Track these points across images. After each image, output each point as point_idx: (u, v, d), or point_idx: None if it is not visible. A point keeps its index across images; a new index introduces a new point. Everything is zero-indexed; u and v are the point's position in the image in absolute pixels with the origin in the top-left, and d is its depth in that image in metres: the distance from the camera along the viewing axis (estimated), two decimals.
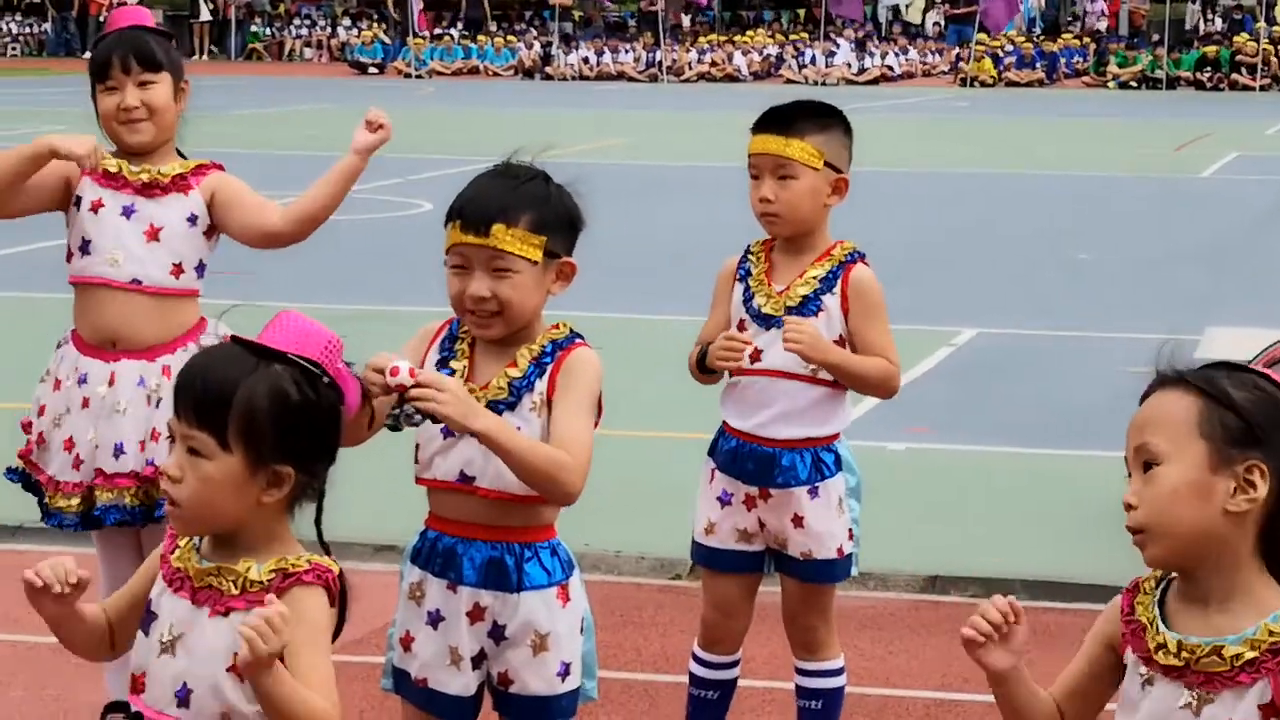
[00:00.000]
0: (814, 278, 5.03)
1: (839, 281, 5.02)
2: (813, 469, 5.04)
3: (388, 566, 6.36)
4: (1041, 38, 48.03)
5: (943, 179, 22.84)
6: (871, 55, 47.09)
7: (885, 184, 20.51)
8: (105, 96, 5.31)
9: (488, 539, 4.03)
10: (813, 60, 46.60)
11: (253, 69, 48.83)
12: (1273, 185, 21.82)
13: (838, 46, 47.20)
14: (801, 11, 52.29)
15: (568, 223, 4.08)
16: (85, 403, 5.21)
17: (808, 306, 5.01)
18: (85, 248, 5.25)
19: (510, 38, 49.14)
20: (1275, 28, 45.45)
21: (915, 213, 19.33)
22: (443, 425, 3.90)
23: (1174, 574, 3.16)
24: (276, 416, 3.22)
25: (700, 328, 5.17)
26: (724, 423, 5.14)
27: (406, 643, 4.12)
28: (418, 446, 4.09)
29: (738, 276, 5.12)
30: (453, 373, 4.04)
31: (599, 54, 47.46)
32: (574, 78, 46.55)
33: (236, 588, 3.23)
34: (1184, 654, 3.07)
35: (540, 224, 4.00)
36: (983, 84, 45.11)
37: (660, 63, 46.75)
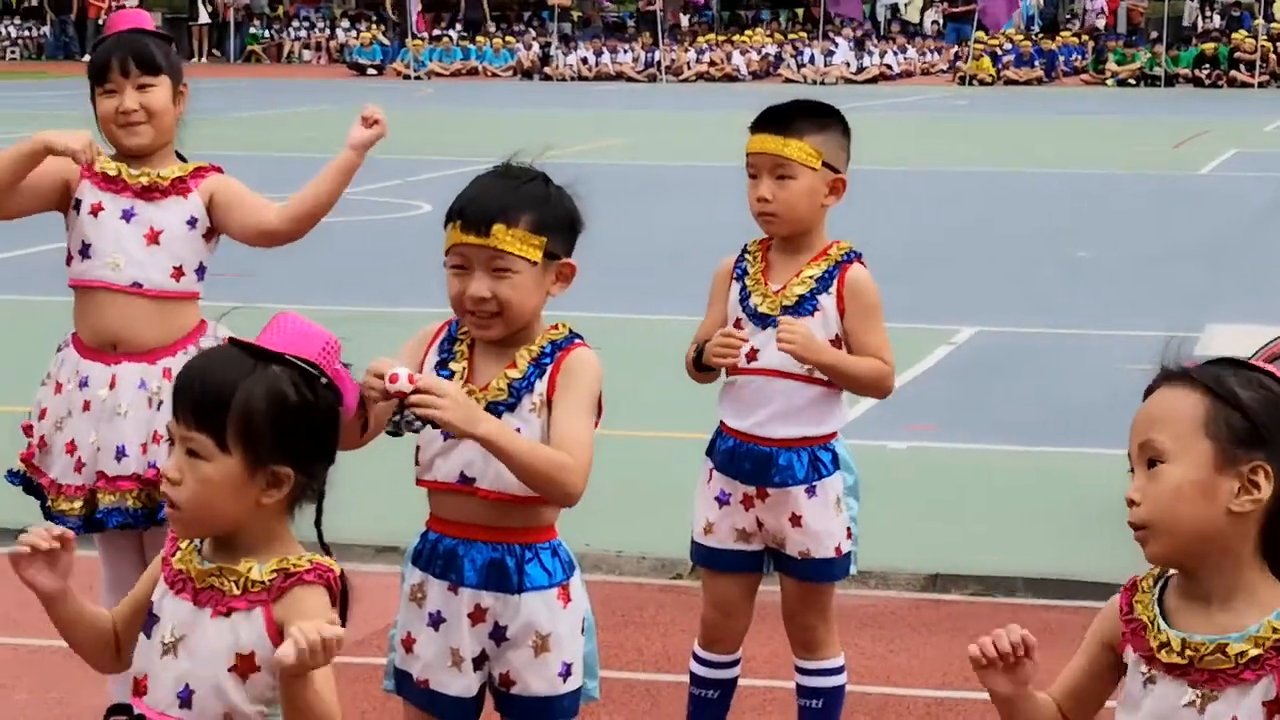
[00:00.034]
0: (810, 277, 5.04)
1: (835, 281, 5.03)
2: (810, 468, 5.04)
3: (389, 568, 6.37)
4: (1040, 36, 48.02)
5: (941, 177, 22.85)
6: (870, 54, 47.08)
7: (884, 182, 20.52)
8: (104, 99, 5.31)
9: (488, 540, 4.03)
10: (811, 59, 46.59)
11: (251, 71, 48.82)
12: (1271, 182, 21.83)
13: (836, 46, 47.19)
14: (800, 11, 52.26)
15: (568, 224, 4.09)
16: (86, 406, 5.21)
17: (804, 306, 5.01)
18: (85, 251, 5.26)
19: (509, 38, 49.13)
20: (1274, 24, 45.45)
21: (914, 211, 19.33)
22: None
23: (1171, 571, 3.16)
24: (275, 417, 3.23)
25: (698, 327, 5.18)
26: (721, 422, 5.14)
27: (408, 644, 4.12)
28: (418, 448, 4.09)
29: (734, 275, 5.13)
30: (452, 374, 4.05)
31: (598, 54, 47.46)
32: (573, 78, 46.54)
33: (238, 588, 3.24)
34: (1188, 652, 3.07)
35: (540, 225, 4.01)
36: (981, 82, 45.11)
37: (659, 63, 46.75)
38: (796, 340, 4.90)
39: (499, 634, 4.05)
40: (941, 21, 50.56)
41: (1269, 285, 14.17)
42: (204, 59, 50.95)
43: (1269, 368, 3.13)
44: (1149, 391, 3.14)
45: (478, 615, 4.04)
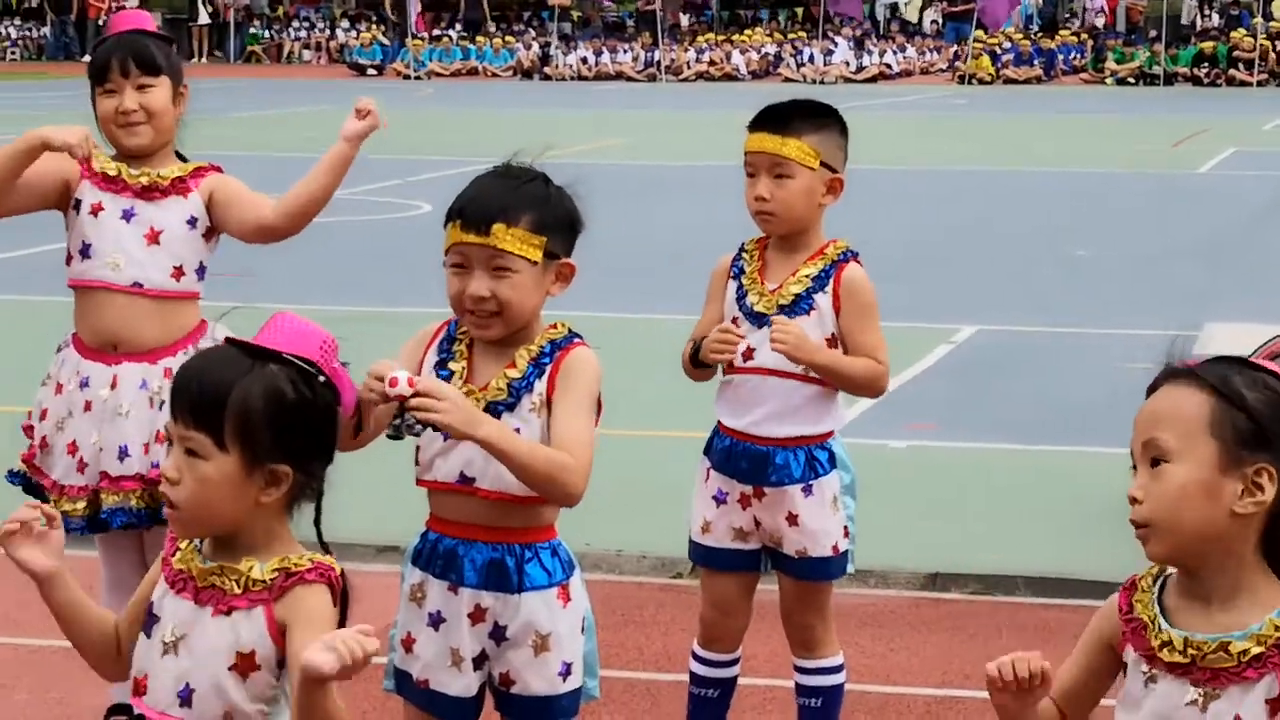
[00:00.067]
0: (806, 276, 5.04)
1: (831, 280, 5.03)
2: (806, 467, 5.05)
3: (390, 567, 6.37)
4: (1039, 35, 48.02)
5: (941, 176, 22.85)
6: (870, 53, 47.08)
7: (884, 182, 20.52)
8: (104, 99, 5.31)
9: (488, 540, 4.04)
10: (811, 59, 46.59)
11: (251, 71, 48.81)
12: (1270, 181, 21.82)
13: (836, 45, 47.18)
14: (799, 10, 52.26)
15: (567, 224, 4.09)
16: (88, 406, 5.21)
17: (800, 305, 5.02)
18: (85, 251, 5.26)
19: (509, 38, 49.13)
20: (1272, 23, 45.45)
21: (914, 210, 19.33)
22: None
23: (1170, 570, 3.16)
24: (272, 415, 3.23)
25: (695, 326, 5.18)
26: (718, 421, 5.15)
27: (408, 644, 4.13)
28: (418, 448, 4.09)
29: (731, 274, 5.13)
30: (451, 374, 4.05)
31: (597, 54, 47.46)
32: (572, 78, 46.54)
33: (239, 586, 3.24)
34: (1190, 651, 3.07)
35: (540, 224, 4.01)
36: (981, 81, 45.10)
37: (659, 62, 46.75)
38: (789, 341, 4.90)
39: (499, 634, 4.06)
40: (941, 21, 50.55)
41: (1268, 284, 14.18)
42: (204, 59, 50.94)
43: (1272, 366, 3.12)
44: (1152, 389, 3.13)
45: (477, 615, 4.05)
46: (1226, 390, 3.06)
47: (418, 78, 46.29)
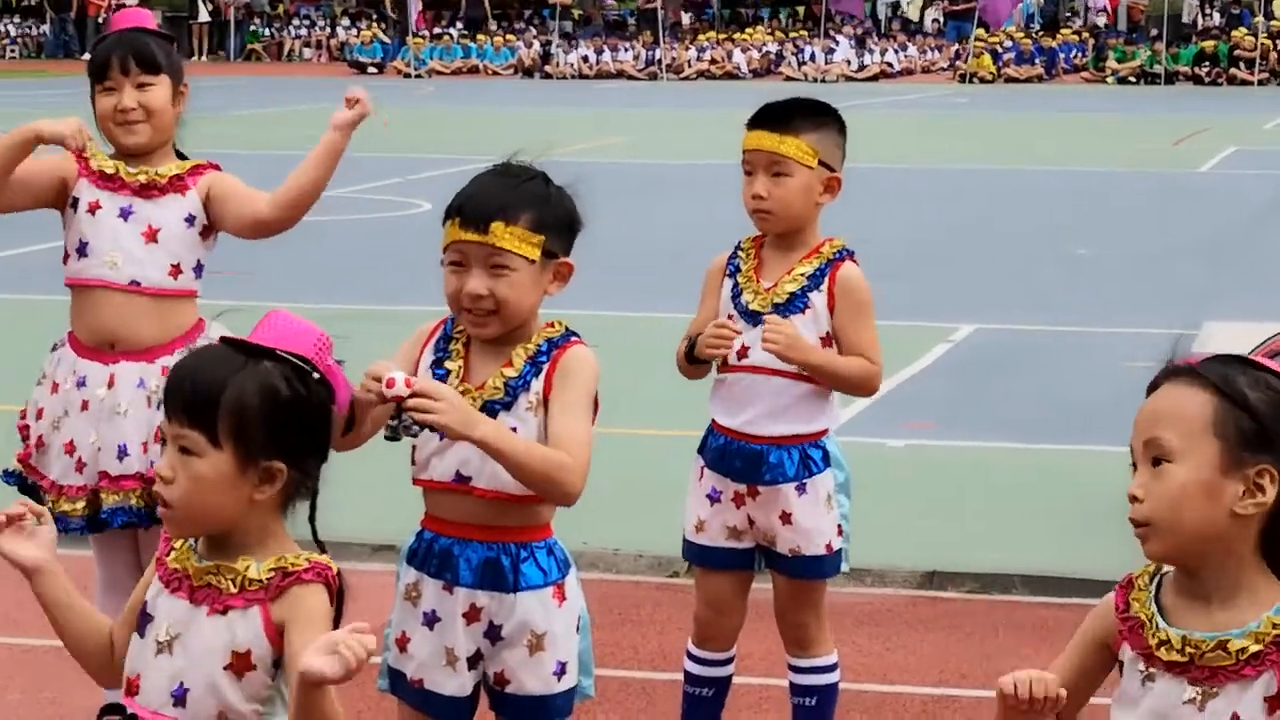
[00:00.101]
0: (802, 275, 5.04)
1: (826, 279, 5.02)
2: (800, 466, 5.04)
3: (386, 566, 6.36)
4: (1040, 33, 48.00)
5: (942, 175, 22.84)
6: (871, 52, 47.07)
7: (885, 180, 20.52)
8: (103, 97, 5.30)
9: (484, 540, 4.03)
10: (812, 57, 46.58)
11: (252, 69, 48.80)
12: (1271, 180, 21.82)
13: (837, 43, 47.17)
14: (801, 9, 52.24)
15: (566, 223, 4.08)
16: (85, 405, 5.20)
17: (795, 303, 5.01)
18: (83, 250, 5.25)
19: (510, 36, 49.11)
20: (1273, 22, 45.42)
21: (915, 209, 19.33)
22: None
23: (1166, 569, 3.15)
24: (267, 412, 3.23)
25: (690, 323, 5.17)
26: (712, 420, 5.14)
27: (402, 643, 4.12)
28: (414, 447, 4.09)
29: (727, 272, 5.13)
30: (448, 373, 4.05)
31: (598, 52, 47.44)
32: (573, 76, 46.52)
33: (235, 586, 3.23)
34: (1188, 649, 3.06)
35: (539, 223, 4.01)
36: (982, 80, 45.09)
37: (660, 61, 46.73)
38: (780, 341, 4.89)
39: (494, 633, 4.05)
40: (942, 19, 50.54)
41: (1268, 282, 14.17)
42: (204, 57, 50.93)
43: (1273, 366, 3.11)
44: (1153, 387, 3.12)
45: (473, 614, 4.04)
46: (1229, 390, 3.05)
47: (418, 76, 46.28)
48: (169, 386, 3.28)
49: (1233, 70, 44.01)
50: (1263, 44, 43.98)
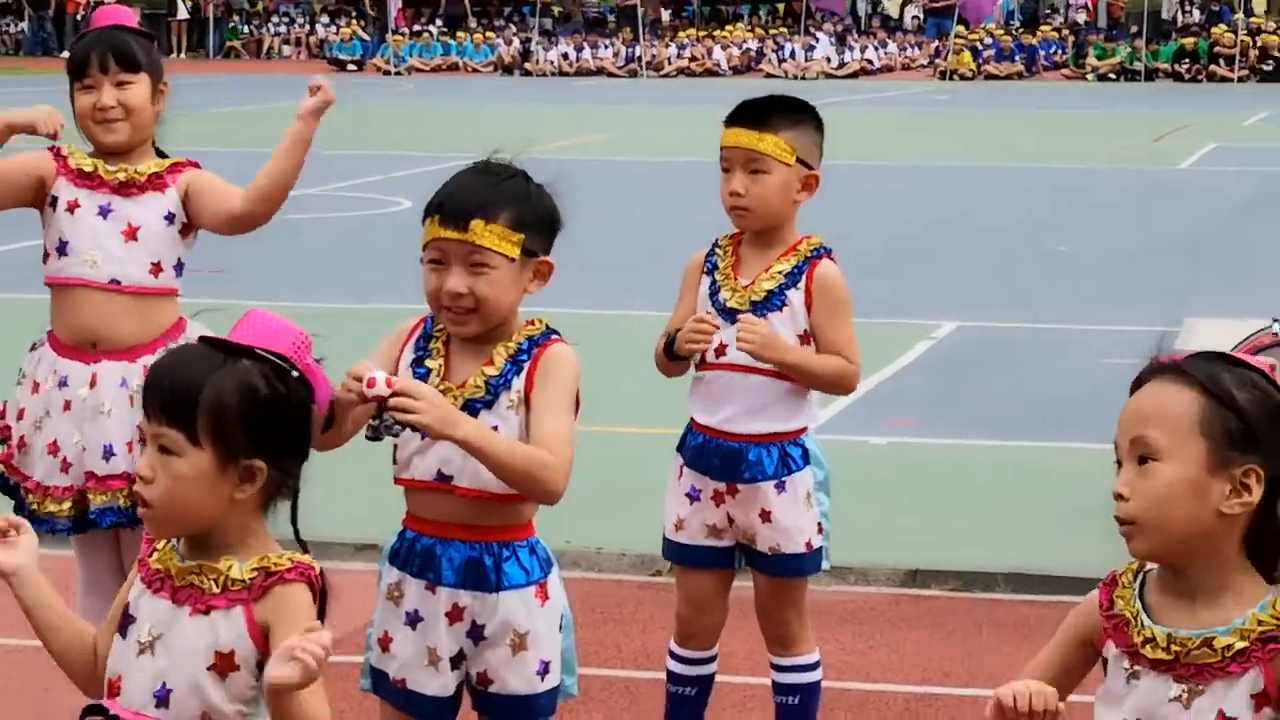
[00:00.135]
0: (779, 272, 5.03)
1: (804, 277, 5.02)
2: (779, 464, 5.03)
3: (368, 566, 6.34)
4: (1020, 30, 48.08)
5: (922, 172, 22.86)
6: (851, 49, 47.11)
7: (865, 177, 20.53)
8: (82, 95, 5.28)
9: (466, 539, 4.01)
10: (792, 54, 46.61)
11: (231, 67, 48.73)
12: (1250, 176, 21.87)
13: (817, 41, 47.20)
14: (781, 6, 52.28)
15: (546, 222, 4.08)
16: (67, 405, 5.17)
17: (772, 301, 5.00)
18: (62, 249, 5.22)
19: (489, 34, 49.10)
20: (1253, 19, 45.54)
21: (895, 206, 19.35)
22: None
23: (1150, 566, 3.15)
24: (246, 410, 3.22)
25: (669, 320, 5.16)
26: (691, 418, 5.13)
27: (385, 643, 4.11)
28: (396, 446, 4.08)
29: (704, 270, 5.12)
30: (428, 371, 4.03)
31: (578, 50, 47.43)
32: (553, 74, 46.51)
33: (218, 586, 3.22)
34: (1174, 647, 3.06)
35: (519, 221, 4.00)
36: (962, 77, 45.15)
37: (640, 58, 46.73)
38: (754, 340, 4.88)
39: (476, 633, 4.04)
40: (922, 16, 50.60)
41: (1248, 279, 14.20)
42: (183, 54, 50.84)
43: (1257, 363, 3.11)
44: (1137, 384, 3.11)
45: (455, 614, 4.03)
46: (1216, 389, 3.05)
47: (398, 73, 46.23)
48: (148, 385, 3.27)
49: (1212, 67, 44.12)
50: (1242, 41, 44.08)
